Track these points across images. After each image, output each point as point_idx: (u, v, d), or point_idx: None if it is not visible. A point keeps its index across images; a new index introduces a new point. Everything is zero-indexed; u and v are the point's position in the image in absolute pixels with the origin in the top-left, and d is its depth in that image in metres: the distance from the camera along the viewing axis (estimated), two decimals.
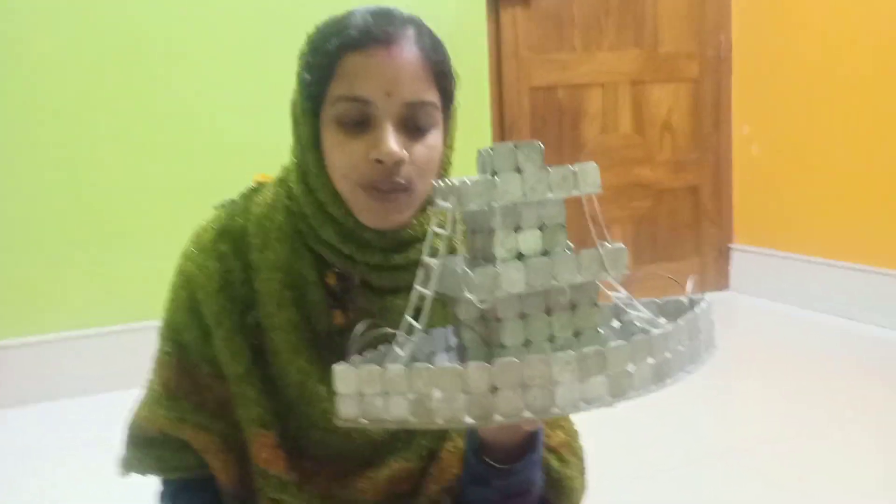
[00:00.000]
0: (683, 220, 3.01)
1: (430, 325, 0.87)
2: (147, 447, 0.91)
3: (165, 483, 0.93)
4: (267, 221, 0.87)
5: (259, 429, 0.87)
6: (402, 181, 0.80)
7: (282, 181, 0.90)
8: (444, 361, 0.72)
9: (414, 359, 0.69)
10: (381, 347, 0.68)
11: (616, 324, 0.75)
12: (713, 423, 1.89)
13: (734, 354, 2.30)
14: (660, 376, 0.61)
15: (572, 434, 0.96)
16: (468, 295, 0.59)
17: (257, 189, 0.92)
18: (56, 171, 2.19)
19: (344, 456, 0.89)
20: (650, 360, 0.60)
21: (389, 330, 0.66)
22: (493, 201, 0.60)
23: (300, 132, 0.84)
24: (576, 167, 0.62)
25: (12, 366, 2.16)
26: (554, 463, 0.90)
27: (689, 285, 0.71)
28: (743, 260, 3.02)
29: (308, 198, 0.85)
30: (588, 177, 0.62)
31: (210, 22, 2.27)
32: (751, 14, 2.92)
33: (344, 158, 0.80)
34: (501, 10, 2.64)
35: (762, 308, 2.84)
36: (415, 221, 0.86)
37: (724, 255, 3.07)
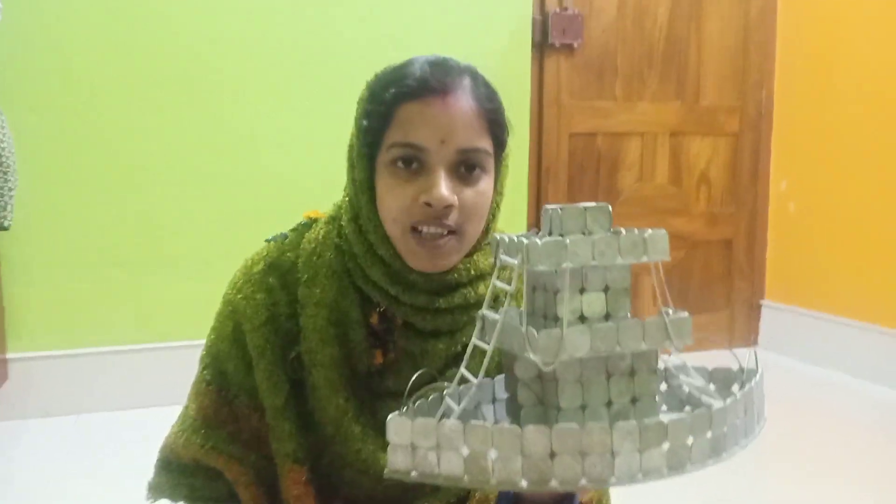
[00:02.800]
0: (716, 273, 2.99)
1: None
2: (179, 474, 0.92)
3: None
4: (316, 258, 0.89)
5: (292, 464, 0.87)
6: (451, 224, 0.81)
7: (333, 219, 0.91)
8: (490, 414, 0.71)
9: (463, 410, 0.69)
10: (431, 400, 0.67)
11: (663, 387, 0.74)
12: (733, 489, 1.85)
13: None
14: (716, 450, 0.60)
15: (603, 492, 0.95)
16: (531, 356, 0.59)
17: (309, 225, 0.94)
18: (104, 192, 2.23)
19: (374, 497, 0.89)
20: (708, 434, 0.60)
21: (444, 384, 0.66)
22: (562, 263, 0.60)
23: (355, 175, 0.86)
24: (646, 233, 0.62)
25: (48, 377, 2.19)
26: None
27: (749, 356, 0.70)
28: (773, 317, 2.98)
29: (358, 238, 0.86)
30: (658, 244, 0.62)
31: (268, 55, 2.31)
32: (793, 71, 2.92)
33: (395, 201, 0.82)
34: (546, 56, 2.66)
35: (790, 367, 2.79)
36: (461, 266, 0.87)
37: (754, 310, 3.03)
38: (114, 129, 2.22)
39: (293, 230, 0.94)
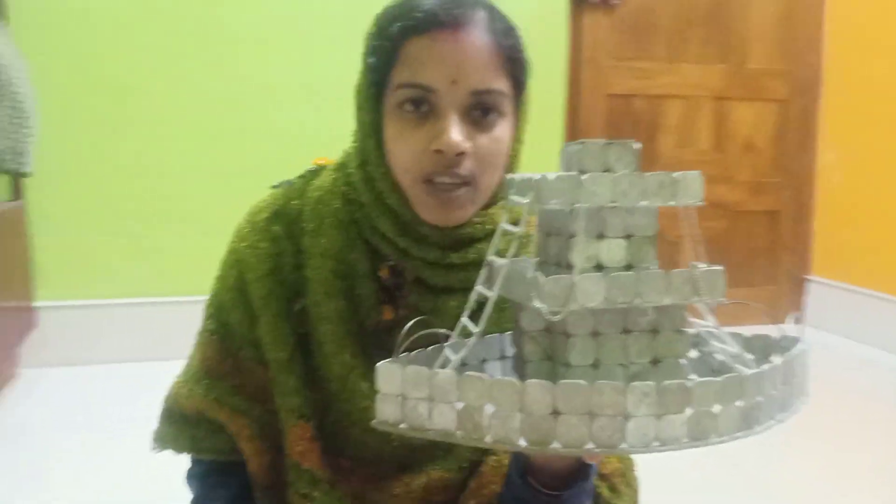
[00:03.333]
0: (760, 245, 2.87)
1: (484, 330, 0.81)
2: (182, 425, 0.88)
3: (196, 463, 0.91)
4: (322, 206, 0.83)
5: (297, 419, 0.83)
6: (465, 174, 0.74)
7: (342, 166, 0.85)
8: (497, 372, 0.65)
9: (465, 365, 0.63)
10: (431, 349, 0.61)
11: (694, 354, 0.67)
12: (772, 470, 1.77)
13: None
14: (748, 422, 0.53)
15: (628, 462, 0.88)
16: (537, 304, 0.52)
17: (316, 172, 0.88)
18: (124, 144, 2.22)
19: (381, 458, 0.85)
20: (739, 403, 0.53)
21: (443, 331, 0.60)
22: (577, 202, 0.53)
23: (362, 118, 0.80)
24: (677, 174, 0.55)
25: (60, 326, 2.20)
26: (604, 492, 0.83)
27: (790, 322, 0.63)
28: (819, 293, 2.86)
29: (366, 186, 0.80)
30: (690, 185, 0.55)
31: (284, 4, 2.26)
32: (844, 36, 2.76)
33: (404, 149, 0.75)
34: (583, 13, 2.55)
35: (836, 345, 2.68)
36: (476, 219, 0.80)
37: (799, 286, 2.91)
38: (134, 78, 2.20)
39: (300, 177, 0.89)
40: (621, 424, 0.49)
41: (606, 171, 0.55)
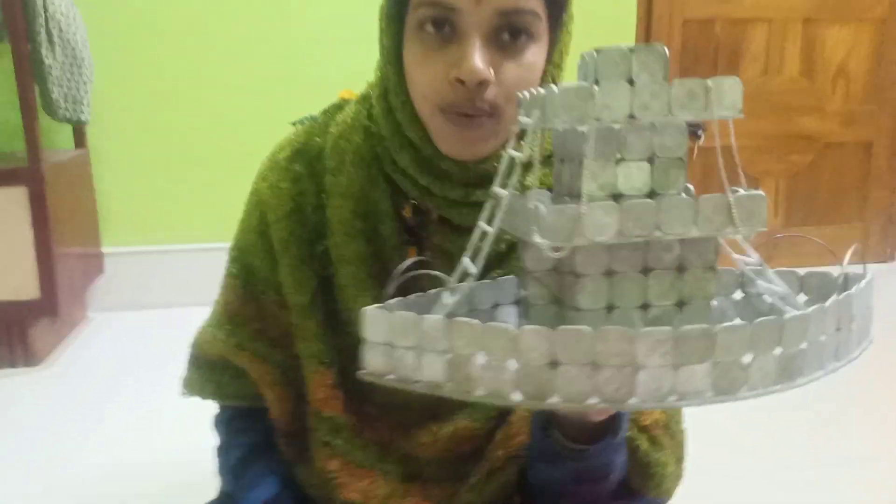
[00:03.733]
0: (850, 179, 2.66)
1: (506, 272, 0.75)
2: (207, 370, 0.87)
3: (222, 408, 0.89)
4: (344, 142, 0.78)
5: (318, 366, 0.79)
6: (487, 105, 0.66)
7: (365, 98, 0.79)
8: (511, 318, 0.59)
9: (472, 309, 0.57)
10: (432, 293, 0.56)
11: (738, 295, 0.59)
12: (847, 426, 1.65)
13: (887, 343, 2.00)
14: (788, 373, 0.46)
15: (673, 413, 0.81)
16: (537, 239, 0.45)
17: (340, 106, 0.83)
18: (177, 91, 2.22)
19: (408, 405, 0.81)
20: (777, 351, 0.45)
21: (436, 273, 0.53)
22: (587, 118, 0.45)
23: (383, 42, 0.73)
24: (711, 80, 0.46)
25: (126, 271, 2.25)
26: (643, 444, 0.76)
27: (848, 256, 0.54)
28: None
29: (387, 118, 0.74)
30: (725, 95, 0.46)
31: None
32: None
33: (423, 76, 0.68)
34: None
35: None
36: (502, 153, 0.72)
37: (893, 222, 2.69)
38: (192, 25, 2.18)
39: (324, 112, 0.84)
40: (630, 376, 0.42)
41: (629, 82, 0.47)
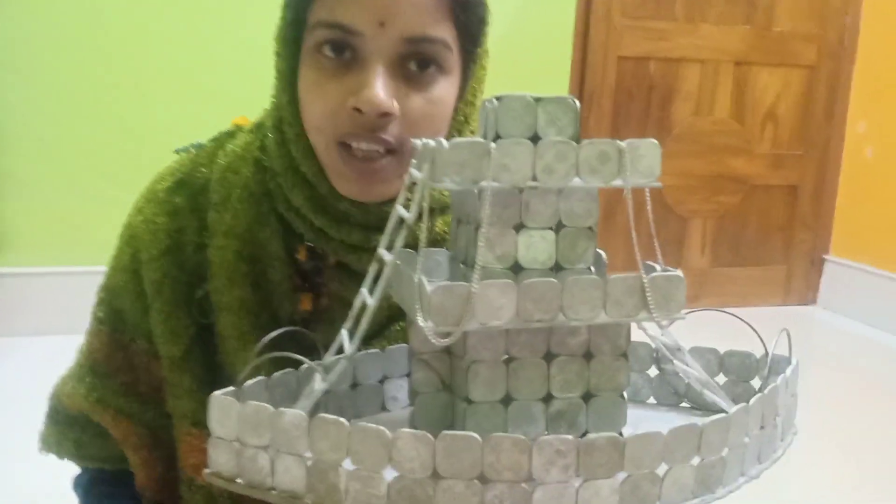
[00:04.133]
0: (776, 222, 2.69)
1: (402, 330, 0.67)
2: (65, 427, 0.76)
3: (83, 470, 0.78)
4: (232, 175, 0.69)
5: (190, 426, 0.70)
6: (389, 140, 0.59)
7: (259, 127, 0.71)
8: (402, 392, 0.51)
9: (355, 384, 0.49)
10: (305, 369, 0.48)
11: (654, 372, 0.53)
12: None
13: (810, 383, 2.01)
14: (706, 485, 0.39)
15: None
16: (421, 322, 0.38)
17: (232, 134, 0.74)
18: (98, 106, 2.08)
19: None
20: (695, 461, 0.39)
21: (300, 358, 0.45)
22: (481, 179, 0.38)
23: (278, 66, 0.65)
24: (624, 143, 0.40)
25: (39, 294, 2.09)
26: None
27: (775, 342, 0.48)
28: (837, 274, 2.68)
29: (280, 150, 0.66)
30: (642, 160, 0.40)
31: None
32: None
33: (318, 104, 0.61)
34: None
35: (851, 330, 2.52)
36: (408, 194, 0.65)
37: (816, 265, 2.73)
38: (108, 35, 2.05)
39: (213, 140, 0.75)
40: (525, 495, 0.35)
41: (533, 137, 0.41)
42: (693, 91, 2.53)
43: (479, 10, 0.63)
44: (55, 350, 1.94)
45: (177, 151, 0.75)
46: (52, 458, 0.77)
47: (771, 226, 2.69)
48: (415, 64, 0.60)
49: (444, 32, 0.60)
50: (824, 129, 2.67)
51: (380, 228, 0.65)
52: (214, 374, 0.71)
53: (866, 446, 1.71)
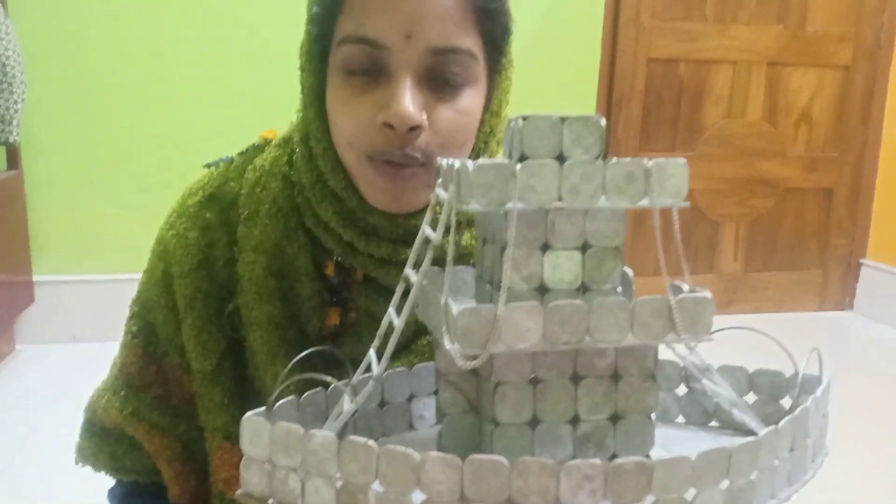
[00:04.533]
0: (810, 226, 2.64)
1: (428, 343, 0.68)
2: (101, 440, 0.77)
3: (117, 482, 0.80)
4: (260, 190, 0.70)
5: (222, 440, 0.71)
6: (418, 154, 0.60)
7: (286, 141, 0.72)
8: (430, 410, 0.51)
9: (384, 403, 0.49)
10: (332, 389, 0.48)
11: (682, 390, 0.52)
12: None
13: (845, 392, 1.97)
14: None
15: None
16: (447, 345, 0.38)
17: (260, 148, 0.75)
18: (127, 116, 2.12)
19: None
20: (724, 484, 0.38)
21: (328, 378, 0.46)
22: (507, 201, 0.38)
23: (304, 82, 0.66)
24: (651, 163, 0.39)
25: (74, 301, 2.13)
26: None
27: (806, 361, 0.47)
28: (873, 279, 2.63)
29: (308, 165, 0.67)
30: (669, 180, 0.40)
31: None
32: None
33: (348, 120, 0.61)
34: None
35: (887, 337, 2.46)
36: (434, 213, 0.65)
37: (852, 270, 2.68)
38: (133, 42, 2.08)
39: (241, 154, 0.76)
40: None
41: (559, 156, 0.40)
42: (724, 93, 2.50)
43: (503, 18, 0.64)
44: (85, 357, 1.99)
45: (206, 166, 0.76)
46: (88, 469, 0.78)
47: (805, 230, 2.64)
48: (442, 75, 0.61)
49: (470, 43, 0.61)
50: (860, 132, 2.62)
51: (407, 242, 0.66)
52: (245, 388, 0.71)
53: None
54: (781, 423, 0.40)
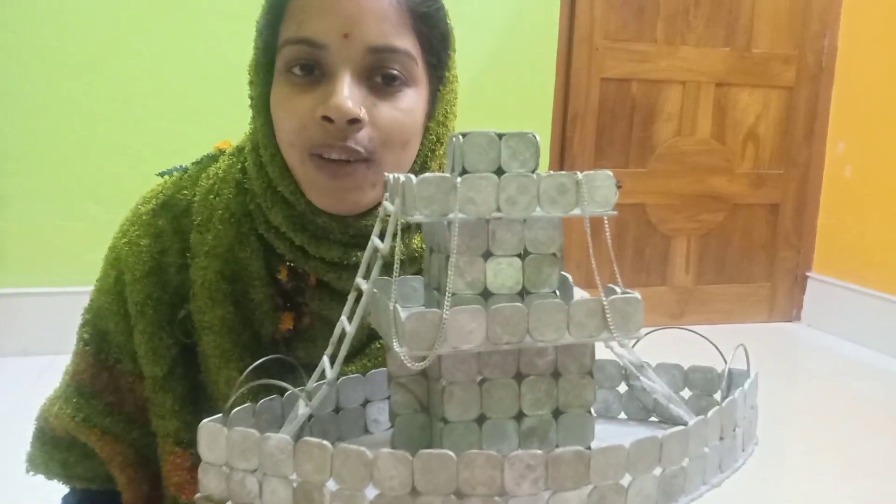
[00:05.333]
0: (758, 239, 2.73)
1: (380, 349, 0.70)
2: (52, 446, 0.77)
3: (71, 490, 0.80)
4: (213, 197, 0.72)
5: (174, 446, 0.71)
6: (360, 149, 0.62)
7: (240, 151, 0.74)
8: (383, 416, 0.53)
9: (339, 408, 0.51)
10: (287, 395, 0.50)
11: (622, 388, 0.56)
12: (760, 489, 1.65)
13: (794, 401, 2.04)
14: (669, 493, 0.42)
15: None
16: (396, 347, 0.40)
17: (214, 157, 0.77)
18: (89, 126, 2.11)
19: None
20: (657, 471, 0.41)
21: (281, 384, 0.48)
22: (449, 212, 0.41)
23: (253, 92, 0.68)
24: (581, 175, 0.42)
25: (27, 314, 2.10)
26: None
27: (732, 355, 0.51)
28: (819, 291, 2.72)
29: (258, 172, 0.69)
30: (597, 191, 0.43)
31: None
32: (862, 17, 2.60)
33: (290, 118, 0.64)
34: None
35: (834, 347, 2.55)
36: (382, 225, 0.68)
37: (799, 283, 2.77)
38: (99, 57, 2.08)
39: (195, 163, 0.77)
40: None
41: (497, 170, 0.43)
42: (675, 111, 2.59)
43: (440, 24, 0.67)
44: (36, 370, 1.95)
45: (160, 174, 0.78)
46: (40, 478, 0.78)
47: (754, 244, 2.73)
48: (381, 76, 0.63)
49: (407, 44, 0.64)
50: (804, 149, 2.72)
51: (358, 245, 0.68)
52: (196, 394, 0.72)
53: (850, 462, 1.74)
54: (710, 414, 0.43)
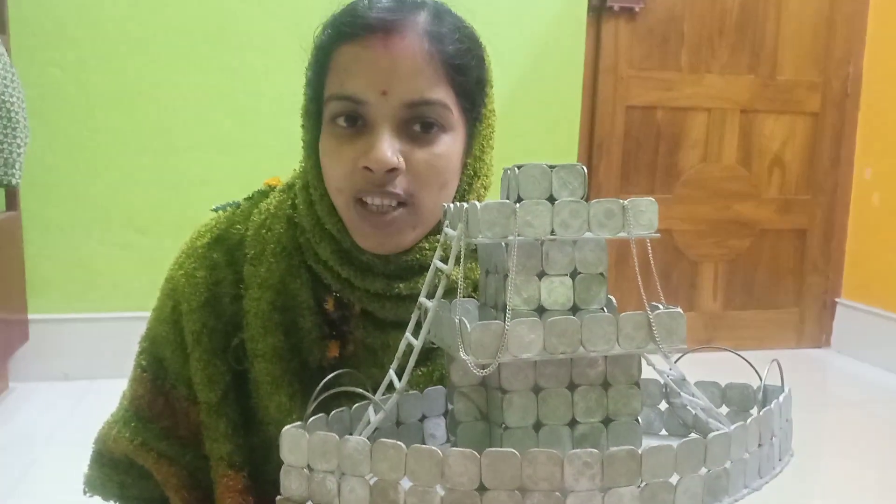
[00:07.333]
0: (786, 265, 2.74)
1: (431, 370, 0.74)
2: (110, 469, 0.82)
3: None
4: (265, 231, 0.77)
5: (227, 468, 0.76)
6: (399, 191, 0.67)
7: (290, 188, 0.79)
8: (440, 431, 0.57)
9: (398, 423, 0.56)
10: (356, 407, 0.54)
11: (663, 405, 0.59)
12: None
13: (825, 427, 2.04)
14: (714, 492, 0.45)
15: None
16: (463, 355, 0.45)
17: (265, 193, 0.82)
18: (127, 153, 2.18)
19: None
20: (703, 471, 0.45)
21: (357, 390, 0.52)
22: (509, 234, 0.46)
23: (304, 136, 0.75)
24: (627, 202, 0.47)
25: (67, 339, 2.16)
26: None
27: (766, 371, 0.54)
28: (848, 317, 2.71)
29: (308, 209, 0.74)
30: (642, 215, 0.47)
31: (299, 13, 2.21)
32: (886, 45, 2.63)
33: (336, 167, 0.69)
34: (603, 20, 2.46)
35: (863, 373, 2.54)
36: (425, 245, 0.73)
37: (828, 309, 2.77)
38: (132, 85, 2.15)
39: (247, 199, 0.83)
40: (558, 501, 0.42)
41: (549, 198, 0.48)
42: (700, 138, 2.62)
43: (474, 72, 0.71)
44: (77, 395, 2.01)
45: (214, 209, 0.83)
46: (97, 499, 0.83)
47: (781, 269, 2.74)
48: (418, 125, 0.68)
49: (442, 95, 0.68)
50: (831, 175, 2.74)
51: (400, 277, 0.73)
52: (248, 419, 0.77)
53: (882, 490, 1.73)
54: (749, 421, 0.47)
